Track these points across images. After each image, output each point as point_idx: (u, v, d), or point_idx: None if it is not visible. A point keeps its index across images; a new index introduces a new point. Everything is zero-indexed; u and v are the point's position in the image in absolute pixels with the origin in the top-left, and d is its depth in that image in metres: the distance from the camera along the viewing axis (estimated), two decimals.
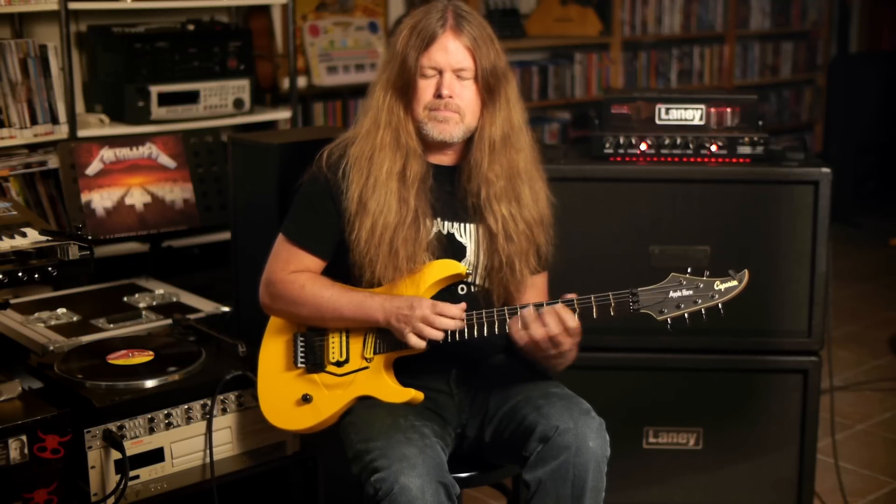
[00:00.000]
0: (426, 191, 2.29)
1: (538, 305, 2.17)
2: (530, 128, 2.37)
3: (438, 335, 2.18)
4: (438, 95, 2.23)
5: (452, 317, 2.18)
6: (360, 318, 2.26)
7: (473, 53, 2.23)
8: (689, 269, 2.17)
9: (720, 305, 2.14)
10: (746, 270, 2.15)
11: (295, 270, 2.33)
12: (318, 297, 2.28)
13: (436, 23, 2.23)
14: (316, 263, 2.34)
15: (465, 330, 2.20)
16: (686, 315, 2.15)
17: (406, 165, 2.27)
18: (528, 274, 2.34)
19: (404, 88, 2.26)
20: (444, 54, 2.22)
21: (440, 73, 2.24)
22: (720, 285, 2.14)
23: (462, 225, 2.34)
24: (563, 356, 2.22)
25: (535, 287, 2.38)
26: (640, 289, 2.16)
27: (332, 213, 2.31)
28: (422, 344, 2.19)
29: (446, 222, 2.33)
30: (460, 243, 2.33)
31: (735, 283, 2.14)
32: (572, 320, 2.15)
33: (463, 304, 2.21)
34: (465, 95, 2.25)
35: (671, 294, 2.15)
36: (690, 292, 2.15)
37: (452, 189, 2.33)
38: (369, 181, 2.26)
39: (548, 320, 2.15)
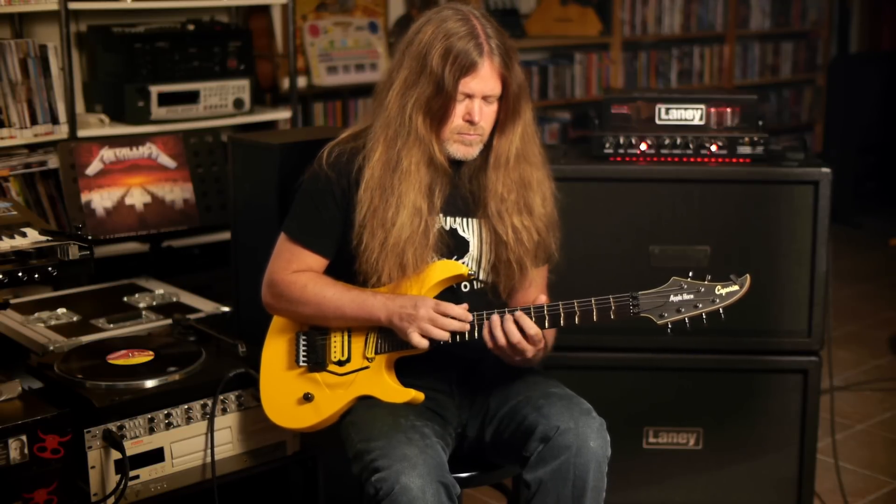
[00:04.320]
0: (435, 194, 2.29)
1: (511, 311, 2.17)
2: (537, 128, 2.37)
3: (444, 335, 2.18)
4: (469, 121, 2.24)
5: (456, 317, 2.18)
6: (362, 317, 2.26)
7: (505, 79, 2.23)
8: (690, 273, 2.17)
9: (721, 310, 2.13)
10: (748, 275, 2.14)
11: (297, 269, 2.32)
12: (320, 297, 2.28)
13: (473, 50, 2.19)
14: (318, 262, 2.34)
15: (468, 331, 2.20)
16: (686, 319, 2.15)
17: (439, 186, 2.27)
18: (536, 270, 2.35)
19: (439, 111, 2.23)
20: (480, 83, 2.21)
21: (470, 97, 2.23)
22: (721, 290, 2.14)
23: (465, 220, 2.34)
24: (528, 362, 2.23)
25: (535, 282, 2.38)
26: (640, 292, 2.15)
27: (334, 211, 2.30)
28: (425, 343, 2.18)
29: (449, 217, 2.33)
30: (463, 238, 2.33)
31: (736, 287, 2.14)
32: (531, 328, 2.15)
33: (465, 305, 2.21)
34: (488, 117, 2.26)
35: (672, 298, 2.14)
36: (691, 296, 2.14)
37: (456, 185, 2.33)
38: (391, 200, 2.23)
39: (508, 328, 2.16)
